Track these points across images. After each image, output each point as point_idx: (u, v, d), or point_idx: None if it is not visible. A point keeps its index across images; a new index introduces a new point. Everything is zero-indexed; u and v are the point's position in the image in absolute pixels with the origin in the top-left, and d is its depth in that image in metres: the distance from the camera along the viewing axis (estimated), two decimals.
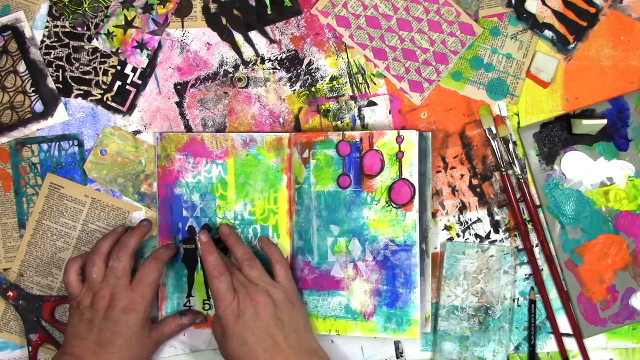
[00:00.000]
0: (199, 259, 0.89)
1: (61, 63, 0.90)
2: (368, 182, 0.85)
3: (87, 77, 0.90)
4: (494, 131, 0.88)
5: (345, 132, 0.86)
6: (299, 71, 0.90)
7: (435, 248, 0.89)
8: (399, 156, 0.84)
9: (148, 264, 0.83)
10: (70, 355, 0.79)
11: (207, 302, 0.88)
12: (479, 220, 0.89)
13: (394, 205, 0.84)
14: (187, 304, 0.89)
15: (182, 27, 0.91)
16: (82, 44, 0.90)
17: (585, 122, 0.85)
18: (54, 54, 0.90)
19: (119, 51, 0.90)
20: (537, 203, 0.88)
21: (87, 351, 0.79)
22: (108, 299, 0.80)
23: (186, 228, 0.89)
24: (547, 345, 0.88)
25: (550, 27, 0.89)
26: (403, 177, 0.84)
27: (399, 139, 0.84)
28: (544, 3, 0.89)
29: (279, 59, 0.90)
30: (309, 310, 0.86)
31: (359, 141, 0.85)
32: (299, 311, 0.82)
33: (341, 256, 0.86)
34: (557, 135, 0.88)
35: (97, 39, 0.90)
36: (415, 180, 0.84)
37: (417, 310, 0.84)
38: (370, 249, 0.85)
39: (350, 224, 0.85)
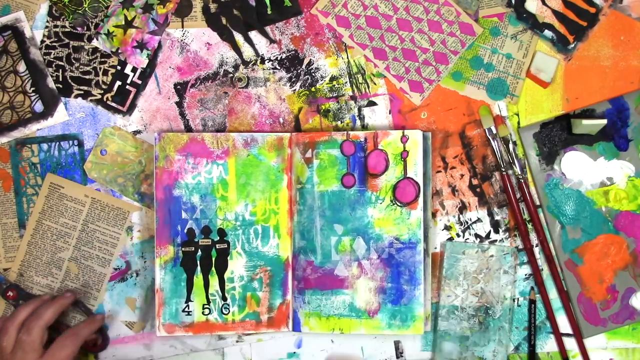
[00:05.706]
0: (198, 262, 0.88)
1: (61, 63, 0.90)
2: (372, 182, 0.85)
3: (87, 77, 0.90)
4: (494, 131, 0.88)
5: (349, 132, 0.86)
6: (299, 71, 0.90)
7: (435, 248, 0.89)
8: (403, 155, 0.84)
9: (64, 339, 0.81)
10: None
11: (207, 306, 0.87)
12: (479, 220, 0.89)
13: (399, 204, 0.84)
14: (186, 309, 0.87)
15: (182, 27, 0.90)
16: (82, 44, 0.90)
17: (585, 122, 0.85)
18: (54, 54, 0.90)
19: (119, 51, 0.90)
20: (537, 203, 0.88)
21: None
22: None
23: (185, 230, 0.88)
24: (547, 345, 0.89)
25: (550, 27, 0.89)
26: (408, 176, 0.84)
27: (404, 139, 0.84)
28: (544, 3, 0.90)
29: (279, 59, 0.90)
30: (311, 310, 0.86)
31: (364, 141, 0.85)
32: None
33: (345, 255, 0.86)
34: (557, 135, 0.88)
35: (97, 39, 0.90)
36: (420, 179, 0.84)
37: (422, 306, 0.84)
38: (374, 247, 0.85)
39: (354, 223, 0.85)
